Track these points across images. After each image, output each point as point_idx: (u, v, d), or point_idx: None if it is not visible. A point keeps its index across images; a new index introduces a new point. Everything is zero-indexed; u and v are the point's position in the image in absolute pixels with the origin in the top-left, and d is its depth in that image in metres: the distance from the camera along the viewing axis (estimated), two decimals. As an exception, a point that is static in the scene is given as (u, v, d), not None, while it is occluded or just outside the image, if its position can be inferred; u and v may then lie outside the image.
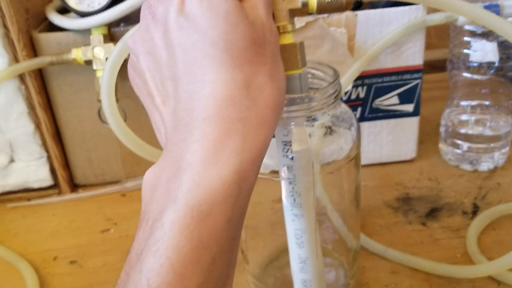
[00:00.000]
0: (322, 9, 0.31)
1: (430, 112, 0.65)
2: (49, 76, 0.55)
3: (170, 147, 0.25)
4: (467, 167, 0.58)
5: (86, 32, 0.52)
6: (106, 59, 0.49)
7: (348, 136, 0.36)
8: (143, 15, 0.28)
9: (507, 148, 0.58)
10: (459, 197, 0.53)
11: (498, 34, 0.51)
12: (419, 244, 0.47)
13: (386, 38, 0.51)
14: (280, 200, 0.35)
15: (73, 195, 0.59)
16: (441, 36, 0.81)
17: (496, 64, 0.53)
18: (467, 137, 0.57)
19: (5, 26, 0.51)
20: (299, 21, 0.50)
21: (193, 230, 0.21)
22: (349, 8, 0.32)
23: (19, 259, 0.49)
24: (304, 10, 0.32)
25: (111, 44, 0.51)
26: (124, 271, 0.23)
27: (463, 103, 0.58)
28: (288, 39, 0.30)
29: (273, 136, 0.32)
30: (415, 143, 0.59)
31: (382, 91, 0.56)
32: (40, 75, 0.55)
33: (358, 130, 0.37)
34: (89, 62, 0.51)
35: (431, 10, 0.52)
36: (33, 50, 0.54)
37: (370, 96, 0.56)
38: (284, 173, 0.33)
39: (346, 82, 0.52)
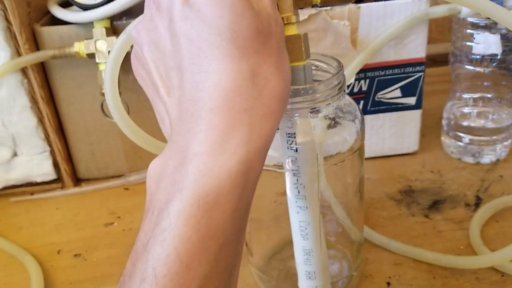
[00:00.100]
0: (326, 0, 0.31)
1: (432, 106, 0.65)
2: (52, 70, 0.55)
3: (175, 138, 0.25)
4: (469, 159, 0.58)
5: (89, 25, 0.52)
6: (109, 52, 0.49)
7: (352, 128, 0.36)
8: (147, 4, 0.28)
9: (510, 141, 0.58)
10: (462, 189, 0.53)
11: (500, 27, 0.51)
12: (422, 236, 0.47)
13: (389, 31, 0.51)
14: (283, 193, 0.35)
15: (76, 189, 0.60)
16: (442, 30, 0.82)
17: (499, 57, 0.53)
18: (469, 130, 0.57)
19: (7, 20, 0.51)
20: (302, 14, 0.49)
21: (200, 220, 0.21)
22: (352, 0, 0.32)
23: (23, 253, 0.49)
24: (308, 2, 0.32)
25: (113, 38, 0.51)
26: (130, 261, 0.23)
27: (466, 95, 0.58)
28: (292, 30, 0.30)
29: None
30: (417, 136, 0.59)
31: (385, 84, 0.56)
32: (42, 69, 0.55)
33: (362, 122, 0.37)
34: (91, 56, 0.51)
35: (434, 3, 0.52)
36: (35, 43, 0.53)
37: (373, 89, 0.56)
38: (288, 165, 0.34)
39: (349, 75, 0.52)
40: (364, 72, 0.54)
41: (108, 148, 0.60)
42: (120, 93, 0.46)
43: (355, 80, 0.55)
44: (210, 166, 0.22)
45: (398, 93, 0.56)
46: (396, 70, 0.55)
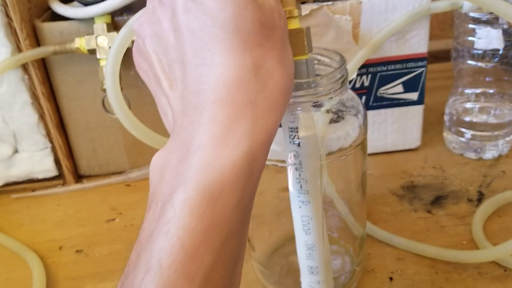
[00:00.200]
0: (328, -6, 0.31)
1: (433, 102, 0.65)
2: (53, 65, 0.55)
3: (178, 130, 0.25)
4: (471, 155, 0.58)
5: (89, 21, 0.52)
6: (110, 48, 0.49)
7: (355, 122, 0.36)
8: None
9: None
10: (464, 185, 0.53)
11: (502, 21, 0.51)
12: (424, 231, 0.47)
13: (391, 26, 0.51)
14: (285, 188, 0.35)
15: (78, 186, 0.59)
16: (443, 27, 0.82)
17: (501, 52, 0.53)
18: (471, 125, 0.57)
19: (7, 16, 0.50)
20: (304, 9, 0.49)
21: (204, 211, 0.21)
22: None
23: (25, 249, 0.49)
24: (310, -5, 0.32)
25: (114, 33, 0.51)
26: (134, 252, 0.23)
27: (468, 91, 0.58)
28: (294, 24, 0.30)
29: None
30: (419, 132, 0.59)
31: (387, 79, 0.55)
32: (43, 65, 0.55)
33: (365, 116, 0.37)
34: (92, 51, 0.51)
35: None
36: (36, 39, 0.53)
37: (375, 84, 0.56)
38: (290, 159, 0.33)
39: (351, 71, 0.52)
40: (366, 67, 0.54)
41: (109, 144, 0.59)
42: (121, 89, 0.46)
43: (357, 75, 0.55)
44: (213, 158, 0.22)
45: (400, 88, 0.56)
46: (398, 66, 0.55)
